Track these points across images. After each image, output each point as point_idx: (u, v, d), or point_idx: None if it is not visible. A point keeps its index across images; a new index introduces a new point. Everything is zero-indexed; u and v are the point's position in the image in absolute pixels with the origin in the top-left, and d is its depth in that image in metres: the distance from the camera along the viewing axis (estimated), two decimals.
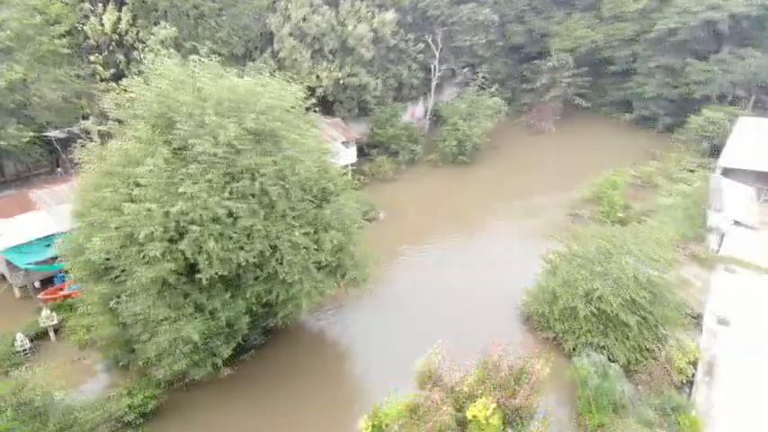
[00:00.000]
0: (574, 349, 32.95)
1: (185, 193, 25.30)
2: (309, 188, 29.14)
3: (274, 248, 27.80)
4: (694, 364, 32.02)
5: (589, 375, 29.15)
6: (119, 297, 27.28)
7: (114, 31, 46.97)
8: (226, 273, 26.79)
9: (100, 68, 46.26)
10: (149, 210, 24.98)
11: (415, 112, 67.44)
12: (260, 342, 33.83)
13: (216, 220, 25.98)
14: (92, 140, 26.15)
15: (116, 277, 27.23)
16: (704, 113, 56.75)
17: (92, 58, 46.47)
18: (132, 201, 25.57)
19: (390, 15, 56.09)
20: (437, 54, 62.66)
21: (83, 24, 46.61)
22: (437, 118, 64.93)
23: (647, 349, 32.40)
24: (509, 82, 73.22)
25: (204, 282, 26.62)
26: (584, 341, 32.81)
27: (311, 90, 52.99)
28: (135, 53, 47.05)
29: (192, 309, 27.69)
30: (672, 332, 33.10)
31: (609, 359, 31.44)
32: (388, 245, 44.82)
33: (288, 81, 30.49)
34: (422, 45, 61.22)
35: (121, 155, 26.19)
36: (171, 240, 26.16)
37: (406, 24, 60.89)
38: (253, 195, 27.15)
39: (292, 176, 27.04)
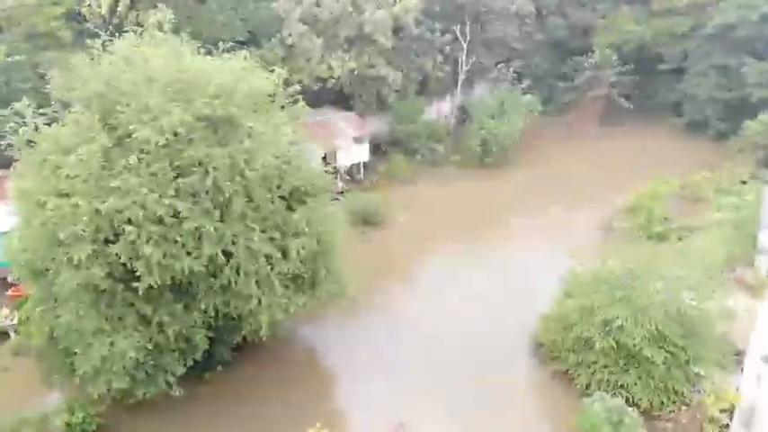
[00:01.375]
0: (587, 387, 28.03)
1: (119, 187, 21.70)
2: (275, 186, 25.16)
3: (230, 255, 23.97)
4: (731, 411, 26.69)
5: (598, 425, 24.20)
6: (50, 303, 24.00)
7: (113, 15, 44.20)
8: (169, 281, 23.15)
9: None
10: (75, 205, 21.47)
11: (441, 109, 62.69)
12: (228, 358, 30.03)
13: (157, 220, 22.28)
14: (25, 124, 22.64)
15: (51, 280, 23.94)
16: (761, 119, 50.15)
17: (88, 41, 43.66)
18: (60, 195, 22.16)
19: (413, 1, 51.64)
20: (465, 46, 57.81)
21: (80, 7, 44.02)
22: (466, 116, 60.04)
23: (675, 391, 27.28)
24: (548, 79, 67.54)
25: (147, 290, 23.08)
26: (601, 378, 27.84)
27: (323, 81, 49.25)
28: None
29: (135, 320, 24.15)
30: (707, 372, 27.80)
31: (628, 401, 26.46)
32: (390, 253, 40.62)
33: (264, 66, 26.74)
34: (449, 36, 56.45)
35: (52, 141, 22.79)
36: (107, 242, 22.70)
37: (432, 13, 56.31)
38: (206, 192, 23.38)
39: (249, 171, 23.10)
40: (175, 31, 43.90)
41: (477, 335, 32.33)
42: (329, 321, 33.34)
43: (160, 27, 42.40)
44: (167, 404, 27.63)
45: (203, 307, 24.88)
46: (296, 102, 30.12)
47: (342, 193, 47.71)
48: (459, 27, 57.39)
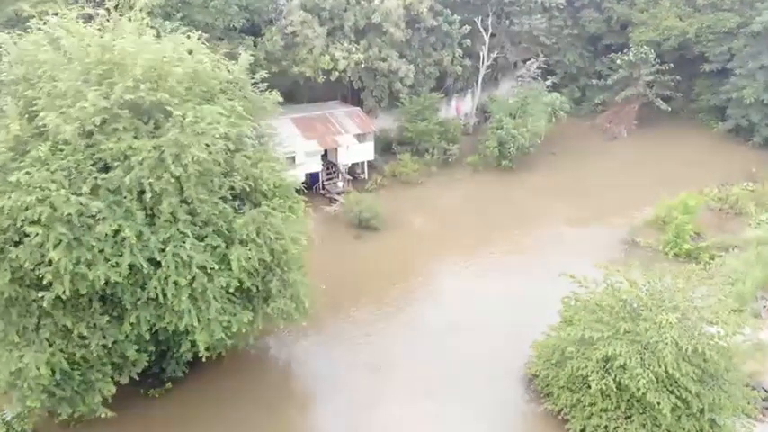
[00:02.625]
0: None
1: (20, 183, 18.75)
2: (217, 186, 21.86)
3: (159, 264, 20.81)
4: None
5: None
6: None
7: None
8: (86, 290, 20.17)
9: None
10: None
11: (460, 107, 58.69)
12: (179, 375, 26.94)
13: (67, 221, 19.28)
14: None
15: None
16: None
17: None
18: None
19: None
20: (486, 39, 53.65)
21: None
22: (488, 115, 55.79)
23: None
24: (581, 78, 62.85)
25: (72, 299, 20.22)
26: (597, 424, 23.65)
27: (327, 74, 45.89)
28: None
29: (53, 332, 21.26)
30: (727, 422, 23.36)
31: None
32: (381, 262, 36.95)
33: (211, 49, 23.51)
34: (468, 28, 52.35)
35: None
36: (16, 243, 19.84)
37: (451, 3, 52.35)
38: (130, 191, 20.26)
39: (175, 168, 19.84)
40: (166, 16, 41.83)
41: (467, 358, 28.36)
42: (307, 337, 30.02)
43: (151, 11, 40.08)
44: (106, 423, 24.68)
45: (132, 320, 21.79)
46: (267, 91, 27.12)
47: (341, 193, 44.34)
48: (480, 19, 53.26)
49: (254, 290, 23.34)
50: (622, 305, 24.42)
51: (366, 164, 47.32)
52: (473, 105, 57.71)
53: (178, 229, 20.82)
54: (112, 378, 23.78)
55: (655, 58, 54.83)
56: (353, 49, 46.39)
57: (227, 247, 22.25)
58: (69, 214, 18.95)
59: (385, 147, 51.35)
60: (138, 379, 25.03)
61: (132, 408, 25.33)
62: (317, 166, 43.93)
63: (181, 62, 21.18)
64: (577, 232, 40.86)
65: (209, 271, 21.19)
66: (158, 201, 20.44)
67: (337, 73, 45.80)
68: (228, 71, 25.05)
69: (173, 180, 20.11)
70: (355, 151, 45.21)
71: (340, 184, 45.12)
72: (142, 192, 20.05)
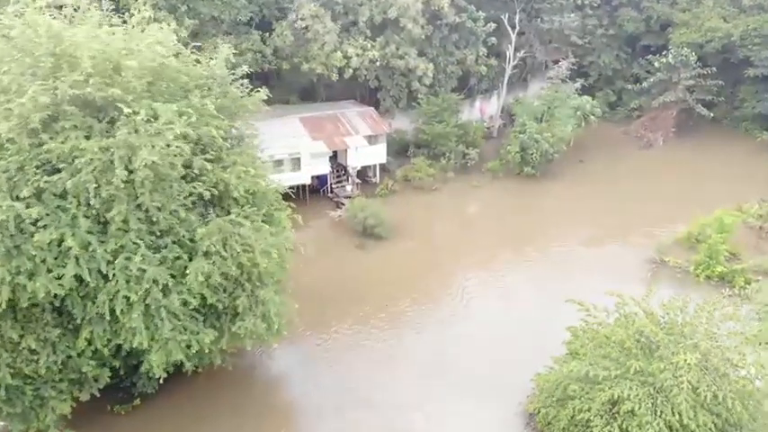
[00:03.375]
0: None
1: None
2: (176, 192, 19.78)
3: (106, 277, 18.88)
4: None
5: None
6: None
7: None
8: (25, 303, 18.38)
9: None
10: None
11: (485, 109, 55.74)
12: (150, 391, 25.05)
13: (5, 227, 17.46)
14: None
15: None
16: None
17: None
18: None
19: None
20: (513, 38, 50.61)
21: None
22: (513, 118, 52.75)
23: None
24: (617, 80, 59.15)
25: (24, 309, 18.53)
26: None
27: (339, 72, 43.61)
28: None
29: None
30: None
31: None
32: (380, 275, 34.51)
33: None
34: (494, 25, 49.41)
35: None
36: None
37: None
38: (77, 196, 18.36)
39: (120, 172, 17.82)
40: (172, 9, 40.17)
41: (466, 388, 25.73)
42: (288, 355, 27.87)
43: (156, 4, 38.52)
44: None
45: (85, 335, 19.96)
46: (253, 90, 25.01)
47: (350, 198, 42.06)
48: (507, 16, 50.26)
49: (220, 307, 21.21)
50: (635, 340, 21.51)
51: (378, 167, 44.89)
52: (498, 107, 54.70)
53: (131, 240, 18.81)
54: (72, 394, 22.13)
55: (696, 61, 50.97)
56: (368, 45, 44.04)
57: (190, 259, 20.21)
58: (5, 220, 17.13)
59: (401, 149, 48.91)
60: (108, 392, 23.44)
61: (94, 424, 23.66)
62: (324, 168, 41.75)
63: (136, 54, 19.09)
64: (600, 249, 37.74)
65: (163, 286, 19.13)
66: (109, 207, 18.48)
67: (351, 71, 43.49)
68: (208, 66, 22.96)
69: (123, 185, 18.09)
70: (366, 153, 42.87)
71: (349, 187, 42.87)
72: (88, 197, 18.05)
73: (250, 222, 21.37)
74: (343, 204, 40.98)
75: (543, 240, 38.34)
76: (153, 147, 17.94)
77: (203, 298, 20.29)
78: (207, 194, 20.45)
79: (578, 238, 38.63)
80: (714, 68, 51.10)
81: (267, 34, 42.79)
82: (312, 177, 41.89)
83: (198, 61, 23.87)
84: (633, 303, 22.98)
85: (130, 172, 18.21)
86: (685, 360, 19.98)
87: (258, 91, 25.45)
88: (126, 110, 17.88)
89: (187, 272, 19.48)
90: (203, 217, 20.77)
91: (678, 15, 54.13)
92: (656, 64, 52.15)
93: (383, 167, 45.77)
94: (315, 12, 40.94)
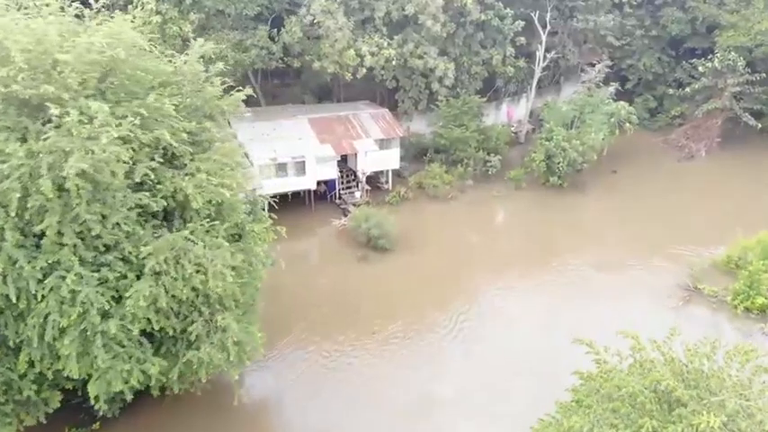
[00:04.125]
0: None
1: None
2: (119, 203, 17.45)
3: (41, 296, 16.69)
4: None
5: None
6: None
7: None
8: None
9: None
10: None
11: (512, 113, 52.51)
12: (111, 414, 22.90)
13: None
14: None
15: None
16: None
17: None
18: None
19: None
20: (543, 37, 47.19)
21: None
22: (542, 123, 49.36)
23: None
24: (658, 85, 55.01)
25: None
26: None
27: (351, 71, 41.04)
28: None
29: None
30: None
31: None
32: (377, 291, 31.74)
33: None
34: (522, 23, 46.11)
35: None
36: None
37: None
38: (4, 207, 16.21)
39: (45, 180, 15.57)
40: (176, 3, 38.25)
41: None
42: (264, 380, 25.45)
43: None
44: None
45: (25, 358, 17.89)
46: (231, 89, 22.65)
47: (359, 205, 39.49)
48: (537, 14, 46.87)
49: (171, 332, 18.86)
50: (651, 392, 18.25)
51: (390, 173, 42.17)
52: (527, 111, 51.34)
53: (66, 256, 16.59)
54: (18, 417, 20.15)
55: (744, 67, 46.66)
56: (385, 44, 41.33)
57: (138, 279, 17.91)
58: None
59: (420, 154, 46.11)
60: (69, 413, 21.51)
61: None
62: (332, 172, 39.22)
63: (71, 47, 16.79)
64: (627, 270, 34.08)
65: (100, 309, 16.85)
66: (40, 219, 16.29)
67: (364, 70, 40.85)
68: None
69: (53, 195, 15.85)
70: (377, 158, 40.19)
71: (357, 194, 40.28)
72: (11, 207, 15.86)
73: (210, 238, 19.00)
74: (350, 212, 38.40)
75: (563, 259, 34.94)
76: (86, 152, 15.62)
77: (150, 322, 17.97)
78: (155, 205, 18.06)
79: (603, 258, 35.10)
80: (764, 74, 46.66)
81: (277, 30, 40.49)
82: (320, 182, 39.48)
83: (170, 57, 21.66)
84: (652, 347, 19.70)
85: (63, 180, 15.95)
86: (708, 422, 16.68)
87: (240, 90, 23.12)
88: (53, 110, 15.60)
89: (128, 294, 17.15)
90: (158, 231, 18.43)
91: (726, 17, 49.76)
92: (701, 69, 47.98)
93: (397, 173, 43.06)
94: (326, 7, 38.40)
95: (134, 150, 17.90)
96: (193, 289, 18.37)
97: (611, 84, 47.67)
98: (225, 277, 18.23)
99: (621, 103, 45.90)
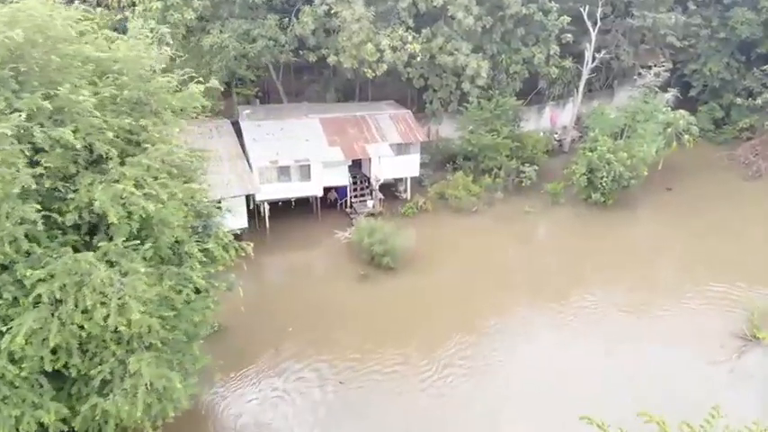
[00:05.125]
0: None
1: None
2: (4, 215, 14.20)
3: None
4: None
5: None
6: None
7: None
8: None
9: None
10: None
11: (556, 119, 47.49)
12: None
13: None
14: None
15: None
16: None
17: None
18: None
19: None
20: (593, 35, 42.04)
21: None
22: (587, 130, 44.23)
23: None
24: (726, 93, 48.71)
25: None
26: None
27: (369, 66, 37.17)
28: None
29: None
30: None
31: None
32: (375, 319, 27.83)
33: None
34: (568, 19, 41.13)
35: None
36: None
37: None
38: None
39: None
40: None
41: None
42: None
43: None
44: None
45: None
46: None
47: (372, 215, 35.72)
48: (587, 9, 41.77)
49: (75, 373, 15.53)
50: None
51: (409, 181, 38.09)
52: (572, 117, 46.22)
53: None
54: None
55: None
56: (410, 38, 37.28)
57: (35, 306, 14.66)
58: None
59: (447, 161, 41.84)
60: None
61: None
62: (342, 178, 35.52)
63: None
64: (671, 310, 28.85)
65: None
66: None
67: (384, 66, 36.92)
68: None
69: None
70: (394, 164, 36.21)
71: (370, 203, 36.43)
72: None
73: (128, 261, 15.56)
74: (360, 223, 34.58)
75: (596, 291, 30.09)
76: None
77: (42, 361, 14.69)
78: (61, 218, 14.77)
79: (643, 292, 30.07)
80: None
81: (290, 20, 37.07)
82: (329, 189, 35.90)
83: (110, 40, 18.46)
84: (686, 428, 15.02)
85: None
86: None
87: (200, 81, 19.74)
88: None
89: (12, 325, 13.92)
90: (59, 251, 15.11)
91: None
92: None
93: (418, 181, 38.97)
94: None
95: (36, 152, 14.74)
96: (104, 322, 14.97)
97: (670, 90, 42.06)
98: (131, 312, 14.72)
99: (681, 111, 40.33)
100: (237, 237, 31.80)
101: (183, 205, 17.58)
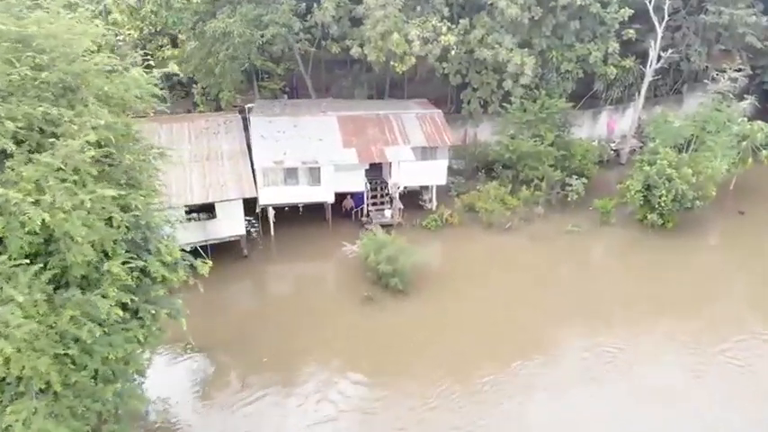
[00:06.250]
0: None
1: None
2: None
3: None
4: None
5: None
6: None
7: None
8: None
9: None
10: None
11: (614, 125, 42.18)
12: None
13: None
14: None
15: None
16: None
17: None
18: None
19: None
20: (659, 31, 36.57)
21: None
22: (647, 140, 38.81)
23: None
24: None
25: None
26: None
27: (398, 59, 33.19)
28: None
29: None
30: None
31: None
32: (363, 354, 23.85)
33: None
34: (631, 12, 35.90)
35: None
36: None
37: None
38: None
39: None
40: None
41: None
42: None
43: None
44: None
45: None
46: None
47: (390, 226, 31.79)
48: (653, 1, 36.37)
49: None
50: None
51: (434, 189, 33.82)
52: (633, 124, 40.77)
53: None
54: None
55: None
56: (444, 28, 33.07)
57: None
58: None
59: (483, 168, 37.43)
60: None
61: None
62: (357, 184, 31.69)
63: None
64: (730, 363, 23.58)
65: None
66: None
67: (413, 59, 32.86)
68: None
69: None
70: (416, 171, 32.04)
71: (388, 212, 32.42)
72: None
73: (11, 285, 12.23)
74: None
75: (639, 334, 25.14)
76: None
77: None
78: None
79: (695, 339, 24.82)
80: None
81: (308, 6, 33.50)
82: (343, 195, 32.16)
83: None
84: None
85: None
86: None
87: (150, 65, 16.40)
88: None
89: None
90: None
91: None
92: None
93: (446, 190, 34.68)
94: None
95: None
96: None
97: (747, 97, 36.19)
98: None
99: (759, 123, 34.54)
100: (234, 244, 28.94)
101: (102, 215, 14.14)
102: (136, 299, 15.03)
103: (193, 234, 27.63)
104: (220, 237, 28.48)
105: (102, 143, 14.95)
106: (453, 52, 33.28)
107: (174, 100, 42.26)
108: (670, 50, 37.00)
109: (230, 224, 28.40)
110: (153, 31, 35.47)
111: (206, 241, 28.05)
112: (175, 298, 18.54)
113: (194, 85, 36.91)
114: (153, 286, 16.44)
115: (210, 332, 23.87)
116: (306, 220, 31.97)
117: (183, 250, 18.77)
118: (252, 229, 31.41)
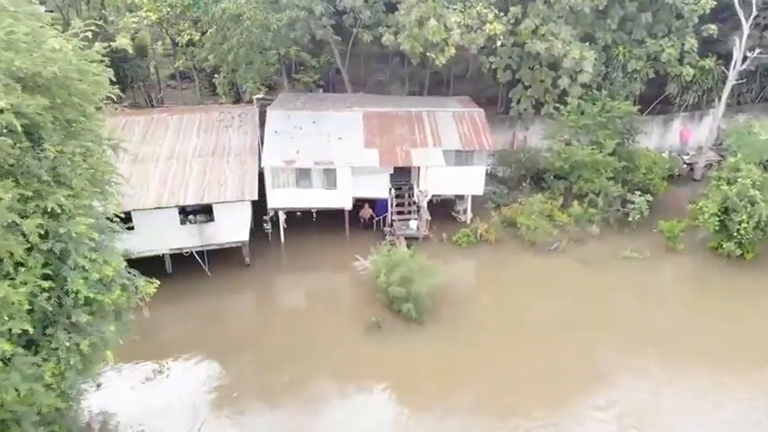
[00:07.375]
0: None
1: None
2: None
3: None
4: None
5: None
6: None
7: None
8: None
9: None
10: None
11: (688, 135, 36.70)
12: None
13: None
14: None
15: None
16: None
17: None
18: None
19: None
20: (746, 27, 31.01)
21: None
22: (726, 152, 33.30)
23: None
24: None
25: None
26: None
27: (437, 50, 29.21)
28: None
29: None
30: None
31: None
32: (347, 411, 20.02)
33: None
34: (713, 4, 30.58)
35: None
36: None
37: None
38: None
39: None
40: None
41: None
42: None
43: None
44: None
45: None
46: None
47: (415, 239, 27.88)
48: None
49: None
50: None
51: (470, 199, 29.59)
52: (711, 135, 35.20)
53: None
54: None
55: None
56: (490, 15, 28.86)
57: None
58: None
59: (531, 177, 32.94)
60: None
61: None
62: (380, 190, 27.92)
63: None
64: None
65: None
66: None
67: (452, 50, 28.76)
68: None
69: None
70: (449, 177, 27.93)
71: (413, 224, 28.45)
72: None
73: None
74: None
75: (696, 387, 20.28)
76: None
77: None
78: None
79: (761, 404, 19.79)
80: None
81: None
82: (363, 201, 28.48)
83: None
84: None
85: None
86: None
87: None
88: None
89: None
90: None
91: None
92: None
93: (482, 201, 30.40)
94: None
95: None
96: None
97: None
98: None
99: None
100: (237, 251, 25.80)
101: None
102: (31, 330, 11.82)
103: (187, 238, 24.64)
104: (219, 242, 25.31)
105: (7, 128, 11.91)
106: (499, 43, 28.93)
107: (201, 90, 39.81)
108: (757, 50, 31.41)
109: (231, 229, 25.19)
110: (172, 13, 32.81)
111: (202, 247, 24.99)
112: (124, 318, 15.47)
113: (215, 75, 34.10)
114: (74, 309, 13.28)
115: (194, 348, 20.83)
116: (322, 228, 28.48)
117: (132, 262, 15.67)
118: (267, 231, 28.13)
